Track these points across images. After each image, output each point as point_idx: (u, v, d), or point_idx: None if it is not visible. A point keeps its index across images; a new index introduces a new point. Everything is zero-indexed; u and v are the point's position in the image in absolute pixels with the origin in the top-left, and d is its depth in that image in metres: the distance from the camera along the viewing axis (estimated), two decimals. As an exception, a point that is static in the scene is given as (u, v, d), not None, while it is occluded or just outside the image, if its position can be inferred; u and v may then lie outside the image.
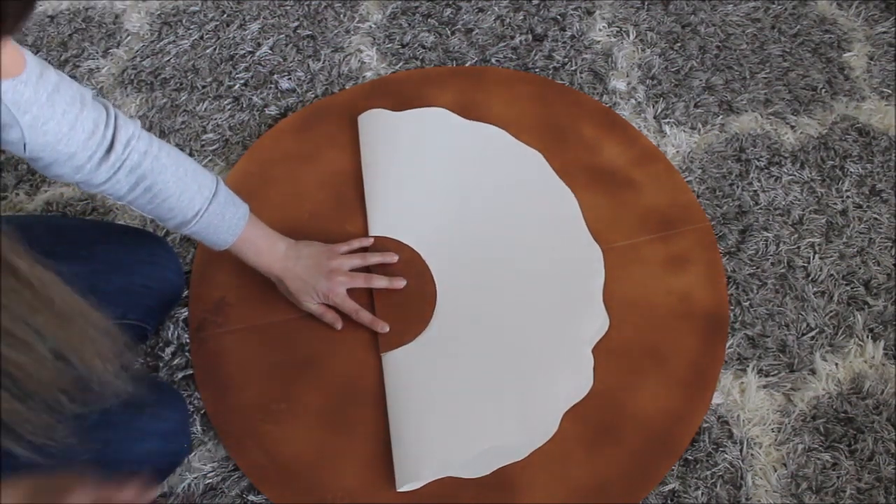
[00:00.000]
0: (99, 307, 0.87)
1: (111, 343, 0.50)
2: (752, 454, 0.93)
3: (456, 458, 0.88)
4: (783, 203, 1.11)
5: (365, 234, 1.06)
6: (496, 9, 1.31)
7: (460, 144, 1.13)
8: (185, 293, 1.02)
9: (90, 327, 0.48)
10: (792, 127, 1.19)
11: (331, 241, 1.06)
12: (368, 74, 1.24)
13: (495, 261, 1.03)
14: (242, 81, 1.23)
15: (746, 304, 1.03)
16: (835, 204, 1.11)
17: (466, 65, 1.24)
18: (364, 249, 1.03)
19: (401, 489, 0.87)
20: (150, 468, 0.86)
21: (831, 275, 1.05)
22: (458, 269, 1.03)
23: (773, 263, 1.06)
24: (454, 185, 1.09)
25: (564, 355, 0.97)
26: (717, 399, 0.96)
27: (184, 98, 1.22)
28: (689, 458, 0.93)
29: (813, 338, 1.01)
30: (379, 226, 1.06)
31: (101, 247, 0.91)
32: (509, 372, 0.95)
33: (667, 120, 1.19)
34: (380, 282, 0.99)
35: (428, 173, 1.10)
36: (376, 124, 1.14)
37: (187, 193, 0.82)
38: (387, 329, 0.98)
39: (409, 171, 1.10)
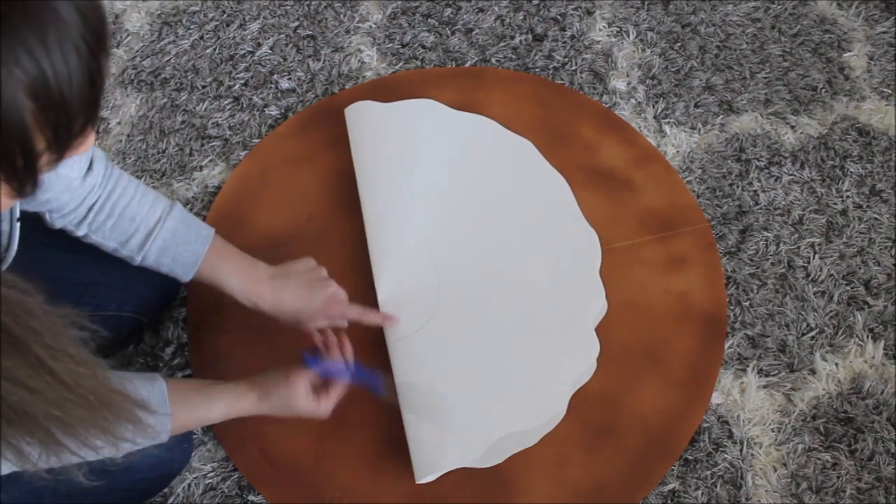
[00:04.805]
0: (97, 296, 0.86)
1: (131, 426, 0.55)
2: (752, 454, 0.93)
3: (472, 447, 0.88)
4: (783, 203, 1.11)
5: (362, 231, 1.05)
6: (496, 9, 1.31)
7: (451, 134, 1.13)
8: (184, 293, 1.02)
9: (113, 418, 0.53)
10: (792, 127, 1.19)
11: (329, 242, 1.05)
12: (368, 74, 1.24)
13: (494, 248, 1.04)
14: (242, 81, 1.23)
15: (746, 304, 1.03)
16: (835, 204, 1.11)
17: (466, 65, 1.24)
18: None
19: (420, 482, 0.87)
20: (153, 479, 0.86)
21: (831, 275, 1.05)
22: (458, 258, 1.03)
23: (773, 263, 1.06)
24: (447, 175, 1.09)
25: (570, 336, 0.97)
26: (717, 399, 0.96)
27: (184, 98, 1.22)
28: (689, 458, 0.93)
29: (813, 338, 1.01)
30: (374, 216, 1.05)
31: None
32: (517, 357, 0.95)
33: (667, 120, 1.18)
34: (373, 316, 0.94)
35: (420, 163, 1.10)
36: (364, 117, 1.14)
37: (147, 198, 0.81)
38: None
39: (402, 161, 1.10)
